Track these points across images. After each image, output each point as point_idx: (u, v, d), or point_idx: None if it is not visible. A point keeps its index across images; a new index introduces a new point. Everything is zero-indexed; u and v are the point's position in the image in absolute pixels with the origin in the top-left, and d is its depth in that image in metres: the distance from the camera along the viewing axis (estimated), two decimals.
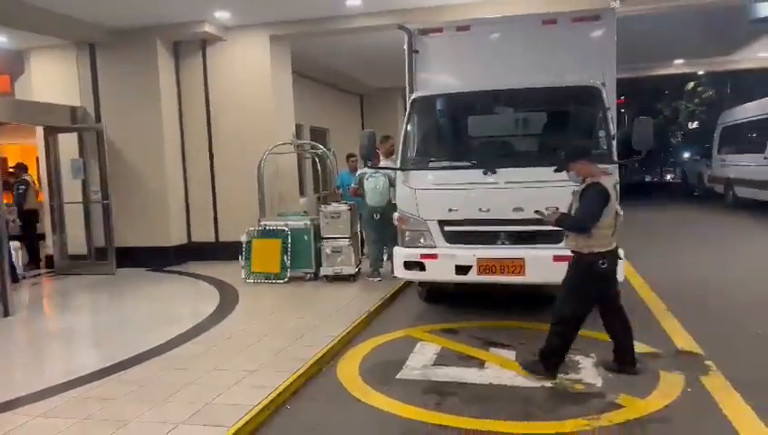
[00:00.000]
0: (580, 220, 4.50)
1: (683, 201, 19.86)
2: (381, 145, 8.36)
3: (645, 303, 6.75)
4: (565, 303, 4.59)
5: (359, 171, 8.61)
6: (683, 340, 5.36)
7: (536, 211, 4.92)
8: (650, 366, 4.73)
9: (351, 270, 8.23)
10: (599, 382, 4.44)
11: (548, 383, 4.45)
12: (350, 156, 9.85)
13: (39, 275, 10.20)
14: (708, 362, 4.75)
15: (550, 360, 4.60)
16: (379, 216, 8.06)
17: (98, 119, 10.23)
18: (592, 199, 4.44)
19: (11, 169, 12.30)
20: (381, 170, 7.75)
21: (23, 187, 10.70)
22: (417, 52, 6.78)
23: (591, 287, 4.57)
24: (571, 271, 4.65)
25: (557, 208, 4.75)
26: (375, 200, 8.05)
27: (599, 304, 4.71)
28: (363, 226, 8.55)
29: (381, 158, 8.22)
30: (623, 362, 4.67)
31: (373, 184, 8.03)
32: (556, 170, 4.87)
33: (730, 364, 4.65)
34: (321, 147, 10.57)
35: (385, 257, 8.38)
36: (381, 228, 8.08)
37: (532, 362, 4.68)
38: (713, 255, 9.85)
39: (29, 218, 10.77)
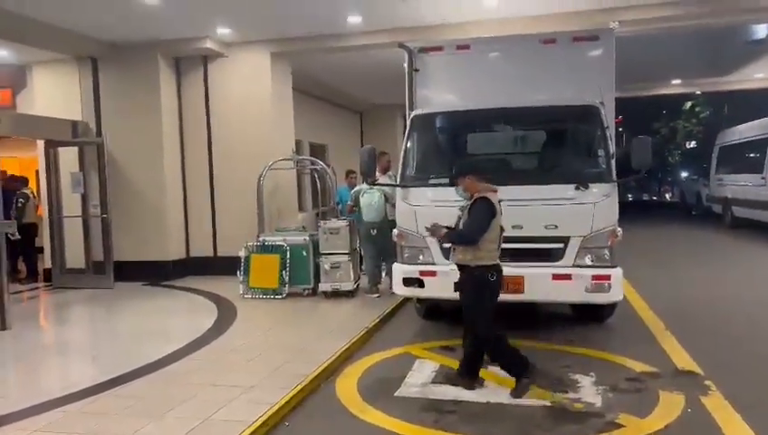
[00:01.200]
0: (467, 234, 4.65)
1: (681, 220, 19.91)
2: (377, 161, 8.40)
3: (644, 322, 6.75)
4: (474, 323, 4.72)
5: (355, 188, 8.64)
6: (682, 359, 5.35)
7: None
8: (650, 385, 4.72)
9: (350, 286, 8.22)
10: (598, 402, 4.42)
11: (547, 402, 4.43)
12: (349, 172, 9.90)
13: (37, 288, 10.16)
14: (708, 382, 4.73)
15: (513, 370, 4.68)
16: (375, 231, 8.07)
17: (99, 133, 10.26)
18: (479, 214, 4.60)
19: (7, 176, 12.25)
20: (377, 186, 7.79)
21: (22, 200, 10.69)
22: (417, 70, 6.84)
23: (488, 302, 4.68)
24: (467, 287, 4.74)
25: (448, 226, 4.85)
26: (371, 216, 8.08)
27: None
28: (361, 242, 8.56)
29: (378, 174, 8.26)
30: (466, 373, 4.81)
31: (368, 200, 8.07)
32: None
33: (730, 384, 4.63)
34: (321, 163, 10.61)
35: (383, 274, 8.38)
36: (379, 244, 8.10)
37: (516, 390, 4.61)
38: (711, 274, 9.86)
39: (28, 232, 10.73)
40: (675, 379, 4.87)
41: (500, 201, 4.71)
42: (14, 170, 14.43)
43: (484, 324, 4.66)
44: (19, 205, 10.63)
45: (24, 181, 11.19)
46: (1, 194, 7.48)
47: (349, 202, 8.66)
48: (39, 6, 8.07)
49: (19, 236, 10.39)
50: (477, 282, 4.66)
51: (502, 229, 4.70)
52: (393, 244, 6.51)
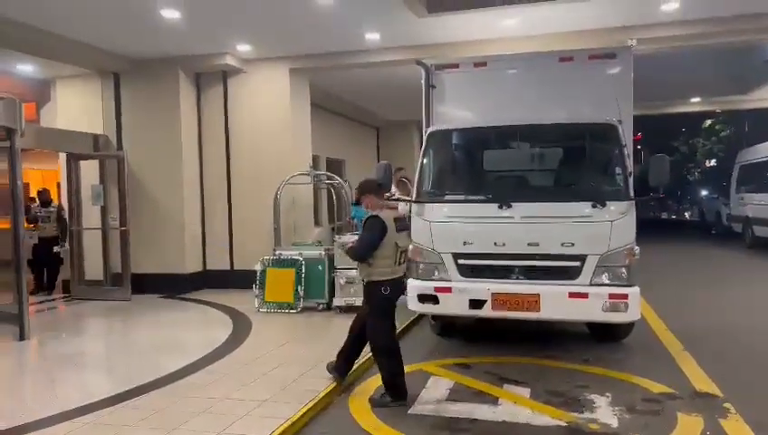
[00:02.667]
0: (356, 250, 4.88)
1: (700, 240, 19.66)
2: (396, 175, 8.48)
3: (662, 342, 6.65)
4: (376, 335, 4.89)
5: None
6: (701, 381, 5.26)
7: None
8: (668, 407, 4.64)
9: None
10: (614, 423, 4.36)
11: (563, 422, 4.38)
12: None
13: (55, 299, 10.28)
14: (727, 405, 4.65)
15: (394, 388, 4.82)
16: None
17: (119, 146, 10.44)
18: (367, 232, 4.80)
19: (33, 195, 12.51)
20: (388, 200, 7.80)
21: (63, 212, 10.86)
22: (433, 87, 6.87)
23: (387, 314, 4.90)
24: (367, 302, 4.96)
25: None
26: None
27: (359, 322, 5.05)
28: None
29: (393, 188, 8.29)
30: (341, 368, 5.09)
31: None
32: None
33: (749, 407, 4.55)
34: (337, 178, 10.67)
35: None
36: None
37: (380, 398, 4.82)
38: (731, 294, 9.70)
39: (51, 244, 10.90)
40: (693, 401, 4.79)
41: (398, 218, 4.92)
42: (36, 182, 14.72)
43: (381, 336, 4.87)
44: (63, 217, 10.80)
45: (47, 193, 11.37)
46: (23, 207, 7.58)
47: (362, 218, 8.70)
48: (65, 23, 8.27)
49: (67, 247, 10.63)
50: (372, 296, 4.87)
51: (397, 246, 4.83)
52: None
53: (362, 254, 4.81)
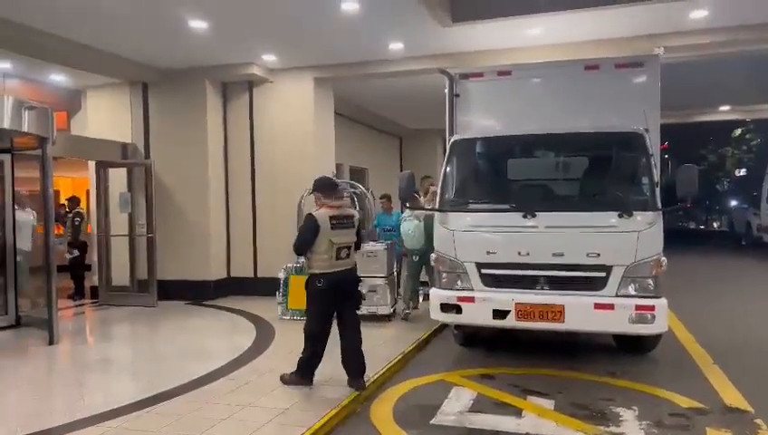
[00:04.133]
0: (294, 245, 5.27)
1: (730, 251, 19.26)
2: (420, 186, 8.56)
3: (690, 355, 6.52)
4: (307, 321, 5.37)
5: (400, 214, 8.67)
6: (731, 396, 5.13)
7: None
8: (696, 422, 4.54)
9: (387, 310, 8.20)
10: None
11: None
12: (381, 197, 9.81)
13: (83, 305, 10.46)
14: (758, 421, 4.53)
15: (303, 369, 5.34)
16: (417, 258, 8.09)
17: (147, 155, 10.62)
18: (301, 229, 5.31)
19: (63, 202, 12.77)
20: (415, 213, 7.82)
21: (78, 219, 11.08)
22: (457, 95, 6.87)
23: (321, 304, 5.24)
24: (306, 290, 5.32)
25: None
26: (410, 244, 8.14)
27: (338, 324, 5.40)
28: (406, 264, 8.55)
29: (421, 197, 8.32)
30: (349, 381, 5.28)
31: (406, 229, 8.11)
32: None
33: None
34: (360, 186, 10.69)
35: (420, 299, 8.38)
36: (418, 269, 8.12)
37: (289, 375, 5.38)
38: (762, 307, 9.47)
39: (81, 250, 11.11)
40: (723, 416, 4.68)
41: (335, 217, 5.20)
42: (66, 190, 15.03)
43: (310, 323, 5.31)
44: (76, 223, 11.02)
45: (77, 201, 11.60)
46: (53, 213, 7.72)
47: (387, 227, 8.79)
48: (96, 35, 8.46)
49: (77, 253, 10.84)
50: (309, 289, 5.26)
51: (332, 242, 5.13)
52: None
53: (297, 248, 5.26)
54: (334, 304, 5.28)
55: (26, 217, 9.27)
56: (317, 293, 5.19)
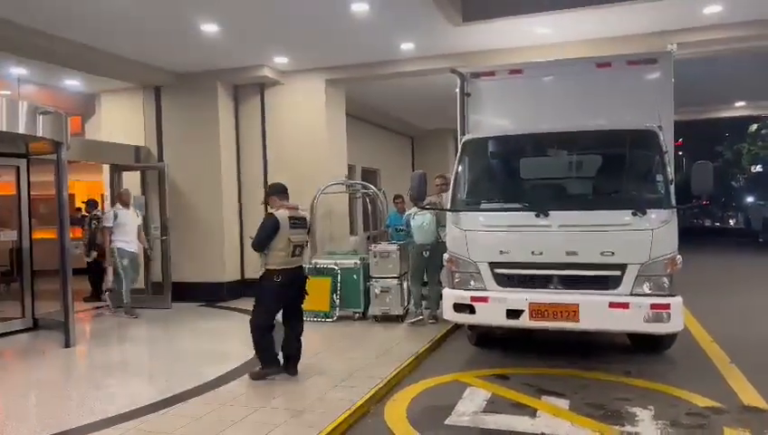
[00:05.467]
0: (253, 242, 5.65)
1: (746, 248, 19.05)
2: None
3: (706, 354, 6.46)
4: (253, 313, 5.68)
5: (406, 212, 8.58)
6: (748, 395, 5.07)
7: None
8: (713, 422, 4.49)
9: (400, 310, 8.20)
10: None
11: None
12: (395, 197, 9.76)
13: (100, 307, 10.55)
14: None
15: (265, 360, 5.63)
16: (428, 253, 8.03)
17: (160, 158, 10.71)
18: (261, 227, 5.63)
19: (80, 205, 12.88)
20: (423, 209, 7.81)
21: (96, 222, 11.17)
22: (468, 95, 6.84)
23: (275, 298, 5.60)
24: (258, 286, 5.70)
25: None
26: (422, 238, 8.01)
27: (284, 318, 5.75)
28: (411, 262, 8.37)
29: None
30: (286, 367, 5.71)
31: (419, 222, 8.00)
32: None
33: None
34: (372, 187, 10.70)
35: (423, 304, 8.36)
36: (428, 267, 8.07)
37: (257, 371, 5.63)
38: None
39: (99, 253, 11.19)
40: (740, 415, 4.63)
41: (294, 217, 5.65)
42: (81, 193, 15.16)
43: (261, 316, 5.61)
44: (93, 226, 11.12)
45: (94, 204, 11.70)
46: (68, 217, 7.79)
47: (400, 226, 8.73)
48: (110, 39, 8.55)
49: (96, 255, 10.94)
50: (262, 283, 5.62)
51: (290, 241, 5.53)
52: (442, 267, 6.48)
53: (257, 245, 5.60)
54: (286, 297, 5.66)
55: (132, 216, 9.46)
56: (273, 287, 5.55)
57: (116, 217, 9.30)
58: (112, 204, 10.70)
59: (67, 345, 7.36)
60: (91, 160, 10.76)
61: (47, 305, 8.52)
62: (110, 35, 8.37)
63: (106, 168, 10.91)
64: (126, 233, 9.33)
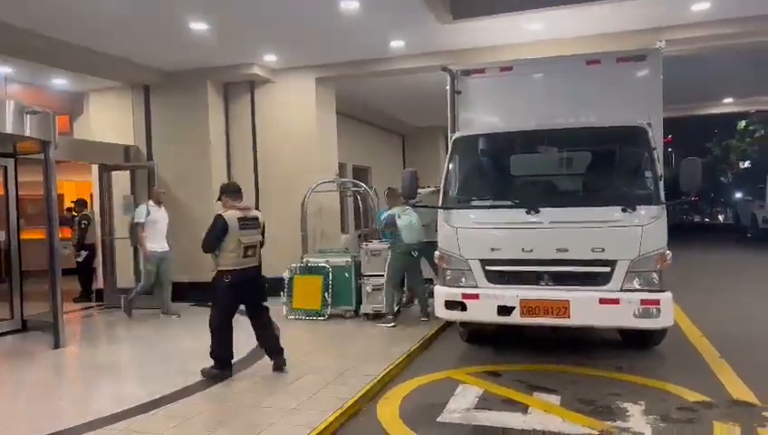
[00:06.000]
0: (203, 243, 5.67)
1: (735, 243, 19.19)
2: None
3: (696, 349, 6.50)
4: (212, 314, 5.74)
5: (389, 211, 8.27)
6: (738, 389, 5.11)
7: None
8: (703, 416, 4.53)
9: (395, 308, 8.19)
10: (648, 432, 4.26)
11: (595, 431, 4.29)
12: (387, 191, 9.24)
13: (90, 307, 10.48)
14: (766, 413, 4.51)
15: (218, 361, 5.68)
16: (417, 253, 8.00)
17: (149, 157, 10.63)
18: (209, 228, 5.65)
19: (70, 205, 12.80)
20: (415, 207, 7.81)
21: (85, 222, 11.11)
22: (459, 92, 6.85)
23: (228, 299, 5.66)
24: (211, 288, 5.75)
25: None
26: (411, 237, 7.91)
27: (249, 318, 5.90)
28: (391, 263, 8.06)
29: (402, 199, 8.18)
30: (273, 362, 5.85)
31: (407, 221, 7.89)
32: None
33: None
34: (363, 185, 10.68)
35: (404, 300, 8.34)
36: (414, 267, 8.03)
37: (209, 369, 5.65)
38: None
39: (88, 253, 11.14)
40: (730, 409, 4.66)
41: (243, 218, 5.64)
42: (70, 193, 15.05)
43: (215, 317, 5.70)
44: (83, 226, 11.05)
45: (84, 203, 11.63)
46: (57, 217, 7.73)
47: (379, 226, 8.58)
48: (98, 37, 8.47)
49: (87, 254, 10.87)
50: (214, 284, 5.67)
51: (240, 241, 5.56)
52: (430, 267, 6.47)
53: (206, 246, 5.65)
54: (240, 298, 5.73)
55: (163, 215, 9.29)
56: (224, 288, 5.60)
57: (149, 213, 9.03)
58: (101, 205, 10.64)
59: (56, 347, 7.31)
60: (79, 160, 10.66)
61: (36, 306, 8.44)
62: (98, 34, 8.30)
63: (95, 167, 10.83)
64: (156, 232, 9.10)
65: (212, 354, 5.70)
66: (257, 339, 5.97)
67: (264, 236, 6.03)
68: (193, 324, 8.61)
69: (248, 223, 5.72)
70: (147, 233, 9.01)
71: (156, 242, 9.10)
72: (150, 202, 9.29)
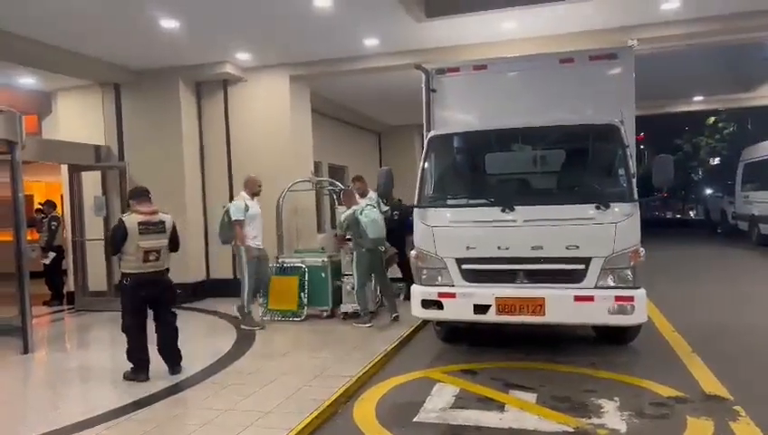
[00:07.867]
0: (105, 247, 5.84)
1: (706, 239, 19.56)
2: (354, 184, 8.51)
3: (669, 344, 6.58)
4: (122, 316, 5.82)
5: (350, 209, 7.96)
6: (710, 383, 5.18)
7: None
8: (677, 411, 4.58)
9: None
10: (623, 428, 4.29)
11: (570, 428, 4.32)
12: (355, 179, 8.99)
13: (61, 311, 10.27)
14: (737, 408, 4.58)
15: (132, 360, 5.76)
16: (383, 247, 7.94)
17: (121, 157, 10.44)
18: (111, 232, 5.88)
19: (39, 206, 12.53)
20: (373, 202, 7.88)
21: (55, 223, 10.88)
22: (434, 91, 6.84)
23: (130, 301, 5.74)
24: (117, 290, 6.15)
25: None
26: (377, 232, 7.69)
27: (153, 320, 5.92)
28: (357, 264, 7.82)
29: (357, 198, 8.16)
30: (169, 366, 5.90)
31: (372, 216, 7.68)
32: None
33: (760, 410, 4.47)
34: (339, 184, 10.63)
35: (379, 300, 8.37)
36: (380, 266, 7.96)
37: (128, 372, 5.75)
38: (739, 294, 9.63)
39: (57, 255, 10.91)
40: (703, 404, 4.72)
41: (144, 223, 5.66)
42: (40, 194, 14.74)
43: (126, 319, 5.78)
44: (53, 228, 10.81)
45: (53, 204, 11.39)
46: (24, 219, 7.55)
47: (339, 230, 8.31)
48: (66, 36, 8.29)
49: (54, 256, 10.64)
50: (119, 286, 5.84)
51: (139, 246, 5.60)
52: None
53: (108, 251, 5.85)
54: (143, 301, 5.77)
55: (258, 208, 8.18)
56: (125, 290, 5.75)
57: (248, 208, 7.91)
58: (71, 206, 10.42)
59: (25, 352, 7.13)
60: (48, 160, 10.44)
61: (3, 311, 8.22)
62: (67, 32, 8.13)
63: (65, 168, 10.60)
64: (255, 228, 8.05)
65: (127, 357, 5.77)
66: (157, 342, 5.95)
67: (175, 240, 6.00)
68: None
69: (150, 227, 5.72)
70: (247, 229, 7.91)
71: (253, 238, 8.03)
72: (244, 194, 8.13)
